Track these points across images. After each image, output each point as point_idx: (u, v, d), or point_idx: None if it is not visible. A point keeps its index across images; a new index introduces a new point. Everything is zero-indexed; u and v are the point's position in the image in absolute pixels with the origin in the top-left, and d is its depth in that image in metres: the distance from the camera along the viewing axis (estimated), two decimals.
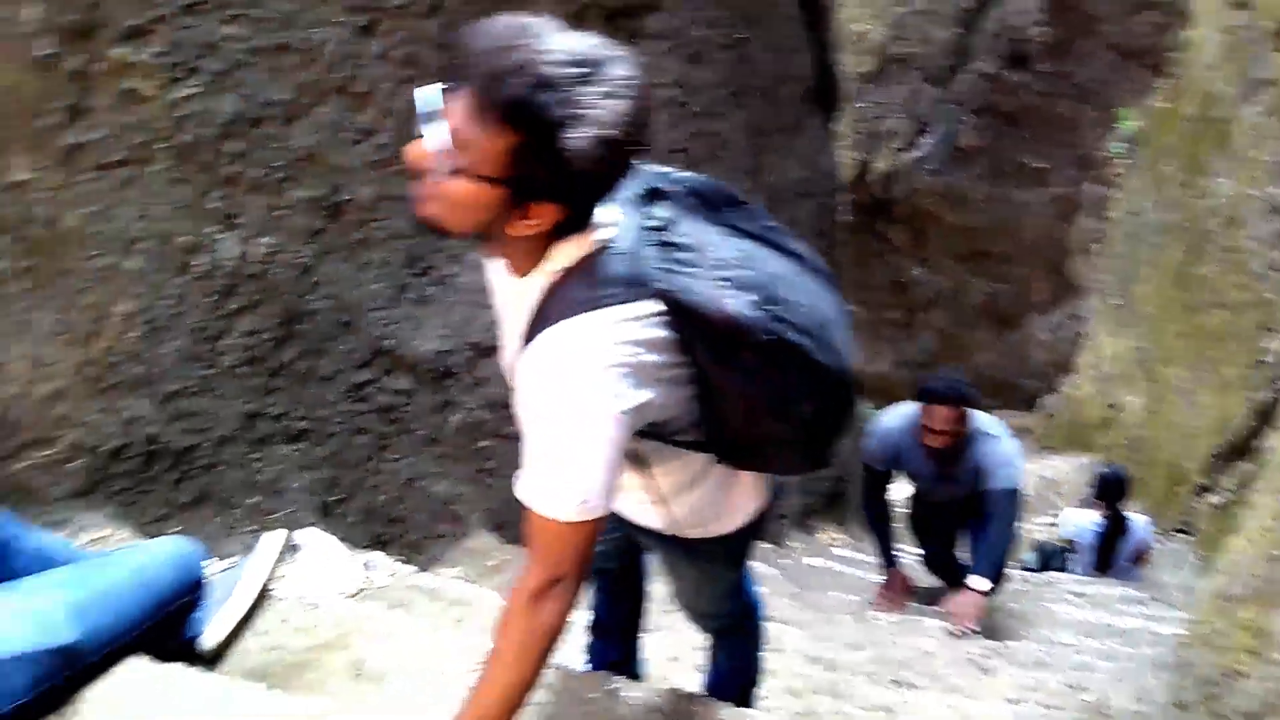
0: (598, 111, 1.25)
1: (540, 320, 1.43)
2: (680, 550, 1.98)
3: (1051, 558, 6.34)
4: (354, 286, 3.37)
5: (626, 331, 1.38)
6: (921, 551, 4.83)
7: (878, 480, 4.32)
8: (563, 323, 1.38)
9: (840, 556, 5.53)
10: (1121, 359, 8.92)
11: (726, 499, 1.85)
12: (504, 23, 1.27)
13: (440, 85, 1.31)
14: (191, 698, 1.90)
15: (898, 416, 4.19)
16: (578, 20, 3.88)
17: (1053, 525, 6.97)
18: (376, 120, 3.28)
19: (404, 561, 3.29)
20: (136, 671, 1.93)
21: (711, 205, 1.57)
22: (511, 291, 1.54)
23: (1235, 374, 6.19)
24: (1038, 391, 12.05)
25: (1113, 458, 7.77)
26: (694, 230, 1.50)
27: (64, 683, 1.85)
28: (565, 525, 1.41)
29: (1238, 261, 6.32)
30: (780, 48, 5.35)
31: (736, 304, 1.43)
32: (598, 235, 1.44)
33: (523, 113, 1.24)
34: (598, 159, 1.26)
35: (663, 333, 1.41)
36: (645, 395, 1.41)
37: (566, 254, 1.44)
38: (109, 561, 2.06)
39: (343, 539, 3.17)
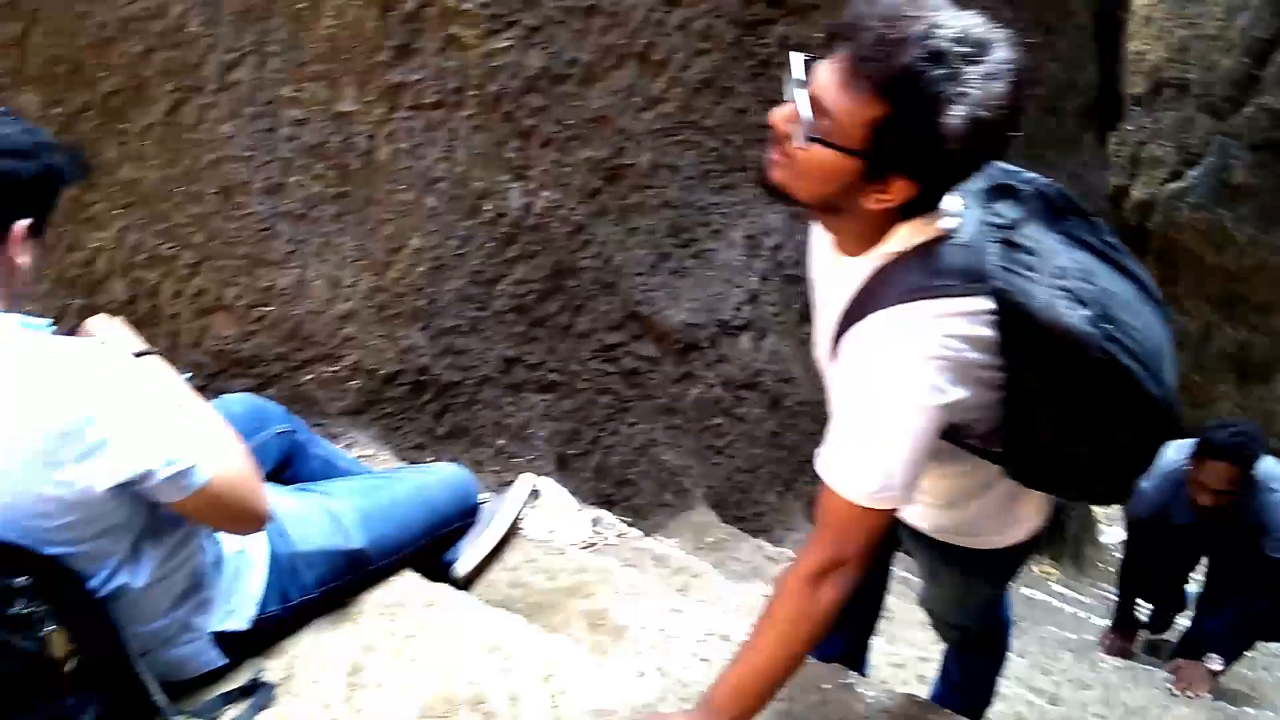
0: (979, 92, 1.21)
1: (869, 300, 1.40)
2: (946, 557, 1.93)
3: None
4: (620, 250, 3.44)
5: (956, 326, 1.34)
6: (1149, 607, 4.51)
7: (1143, 533, 3.95)
8: (895, 306, 1.35)
9: (1057, 592, 5.29)
10: None
11: (1008, 513, 1.79)
12: None
13: (811, 55, 1.31)
14: (459, 616, 2.00)
15: (1170, 461, 3.69)
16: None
17: None
18: (667, 89, 3.33)
19: (628, 524, 3.36)
20: (411, 584, 2.05)
21: (1057, 211, 1.50)
22: (837, 269, 1.51)
23: None
24: (1278, 453, 11.15)
25: None
26: (1037, 234, 1.44)
27: (346, 584, 1.98)
28: (860, 509, 1.39)
29: None
30: (1068, 59, 5.11)
31: (1073, 317, 1.36)
32: (940, 223, 1.40)
33: (907, 84, 1.21)
34: (970, 139, 1.22)
35: (991, 333, 1.36)
36: (962, 393, 1.36)
37: (904, 237, 1.40)
38: (397, 478, 2.19)
39: (573, 492, 3.26)
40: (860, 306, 1.41)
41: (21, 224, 1.39)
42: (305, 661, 1.85)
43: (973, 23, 1.25)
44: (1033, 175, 1.53)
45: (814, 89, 1.28)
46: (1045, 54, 4.91)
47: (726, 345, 3.90)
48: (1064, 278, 1.40)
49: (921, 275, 1.37)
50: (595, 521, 3.23)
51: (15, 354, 1.34)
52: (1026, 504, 1.79)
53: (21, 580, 1.32)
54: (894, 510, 1.41)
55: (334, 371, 2.91)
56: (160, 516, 1.55)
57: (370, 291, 2.89)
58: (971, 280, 1.36)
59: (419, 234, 2.93)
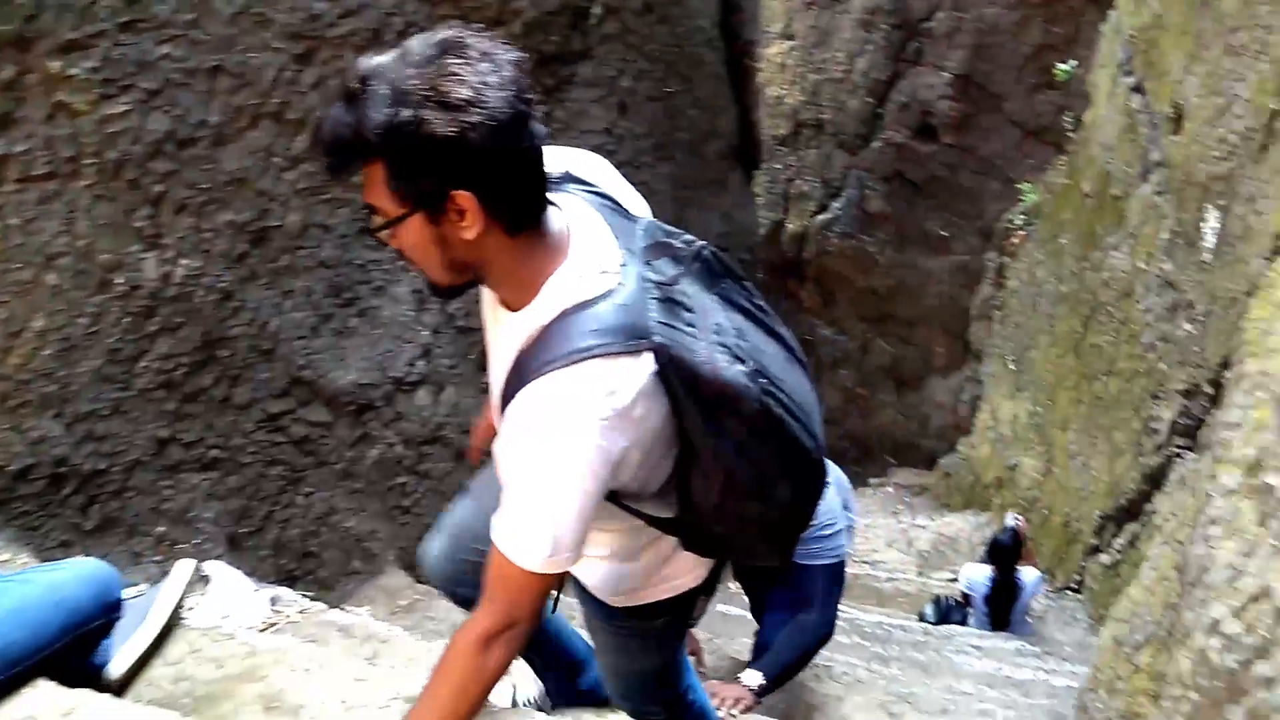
0: (447, 88, 1.25)
1: (530, 361, 1.39)
2: (597, 611, 1.92)
3: (950, 612, 6.48)
4: (276, 314, 3.33)
5: (619, 383, 1.35)
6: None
7: None
8: (556, 369, 1.34)
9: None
10: (1018, 422, 9.22)
11: (658, 571, 1.80)
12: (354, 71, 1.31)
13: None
14: None
15: None
16: None
17: (952, 580, 7.12)
18: (309, 148, 3.27)
19: (313, 598, 3.22)
20: (44, 695, 1.86)
21: (714, 273, 1.53)
22: (502, 324, 1.50)
23: (1126, 440, 6.45)
24: (937, 451, 12.36)
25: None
26: (694, 292, 1.47)
27: None
28: (530, 574, 1.40)
29: (1130, 332, 6.62)
30: (706, 105, 5.49)
31: (733, 370, 1.41)
32: (598, 281, 1.41)
33: (376, 132, 1.26)
34: (465, 128, 1.25)
35: (655, 389, 1.38)
36: (629, 452, 1.39)
37: (562, 293, 1.40)
38: (23, 578, 1.99)
39: (250, 573, 3.10)
40: (522, 368, 1.40)
41: None
42: None
43: (424, 40, 1.31)
44: (691, 237, 1.56)
45: (366, 199, 1.37)
46: (686, 101, 5.24)
47: (403, 402, 3.85)
48: (721, 334, 1.45)
49: (581, 335, 1.36)
50: (274, 600, 3.08)
51: None
52: (679, 562, 1.80)
53: None
54: (565, 572, 1.45)
55: None
56: None
57: None
58: (632, 337, 1.36)
59: (42, 314, 2.71)
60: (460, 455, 3.99)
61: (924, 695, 3.50)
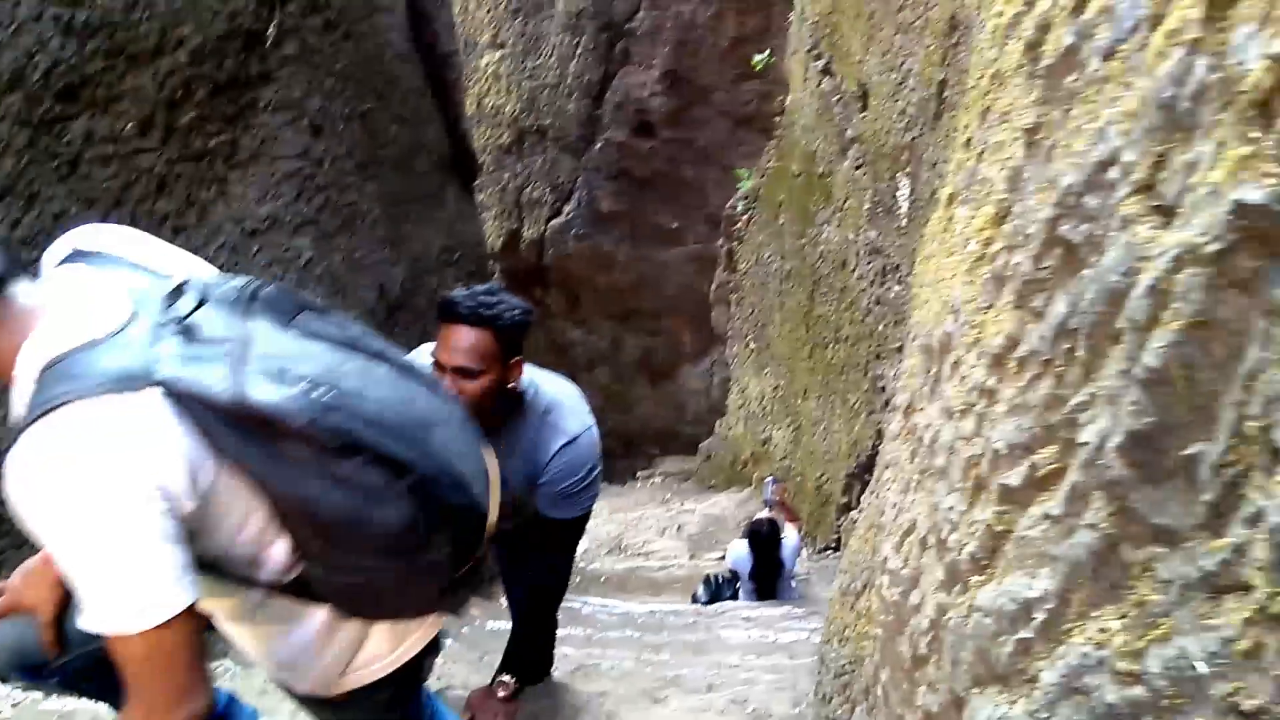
0: None
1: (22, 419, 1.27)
2: (321, 712, 1.74)
3: (721, 588, 6.64)
4: None
5: (108, 423, 1.25)
6: None
7: None
8: (43, 421, 1.24)
9: None
10: (765, 397, 9.59)
11: (358, 650, 1.63)
12: None
13: None
14: None
15: None
16: (184, 96, 3.68)
17: (721, 559, 7.32)
18: None
19: None
20: None
21: (281, 309, 1.45)
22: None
23: (859, 400, 6.82)
24: (697, 436, 12.71)
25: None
26: (235, 326, 1.39)
27: None
28: (145, 635, 1.25)
29: (850, 299, 7.01)
30: (408, 120, 5.34)
31: (269, 391, 1.32)
32: (79, 336, 1.31)
33: None
34: None
35: (168, 423, 1.28)
36: (160, 486, 1.27)
37: (38, 355, 1.30)
38: None
39: None
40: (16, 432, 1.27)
41: None
42: None
43: None
44: (250, 279, 1.48)
45: None
46: (385, 117, 5.08)
47: None
48: (269, 360, 1.36)
49: (57, 384, 1.26)
50: None
51: None
52: (379, 639, 1.64)
53: None
54: (183, 616, 1.27)
55: None
56: None
57: None
58: (124, 378, 1.27)
59: None
60: None
61: (690, 676, 3.53)
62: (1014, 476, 1.11)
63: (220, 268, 3.93)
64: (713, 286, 11.76)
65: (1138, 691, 0.91)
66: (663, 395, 14.14)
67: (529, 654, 2.87)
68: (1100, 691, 0.94)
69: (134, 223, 3.51)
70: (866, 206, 6.56)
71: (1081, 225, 1.03)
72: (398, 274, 5.08)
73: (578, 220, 13.28)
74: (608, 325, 13.96)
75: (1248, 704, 0.81)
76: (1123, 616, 0.93)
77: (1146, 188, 0.94)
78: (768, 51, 10.19)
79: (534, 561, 2.79)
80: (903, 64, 5.73)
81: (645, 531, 9.83)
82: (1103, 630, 0.95)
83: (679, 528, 9.59)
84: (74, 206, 3.33)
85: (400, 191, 5.18)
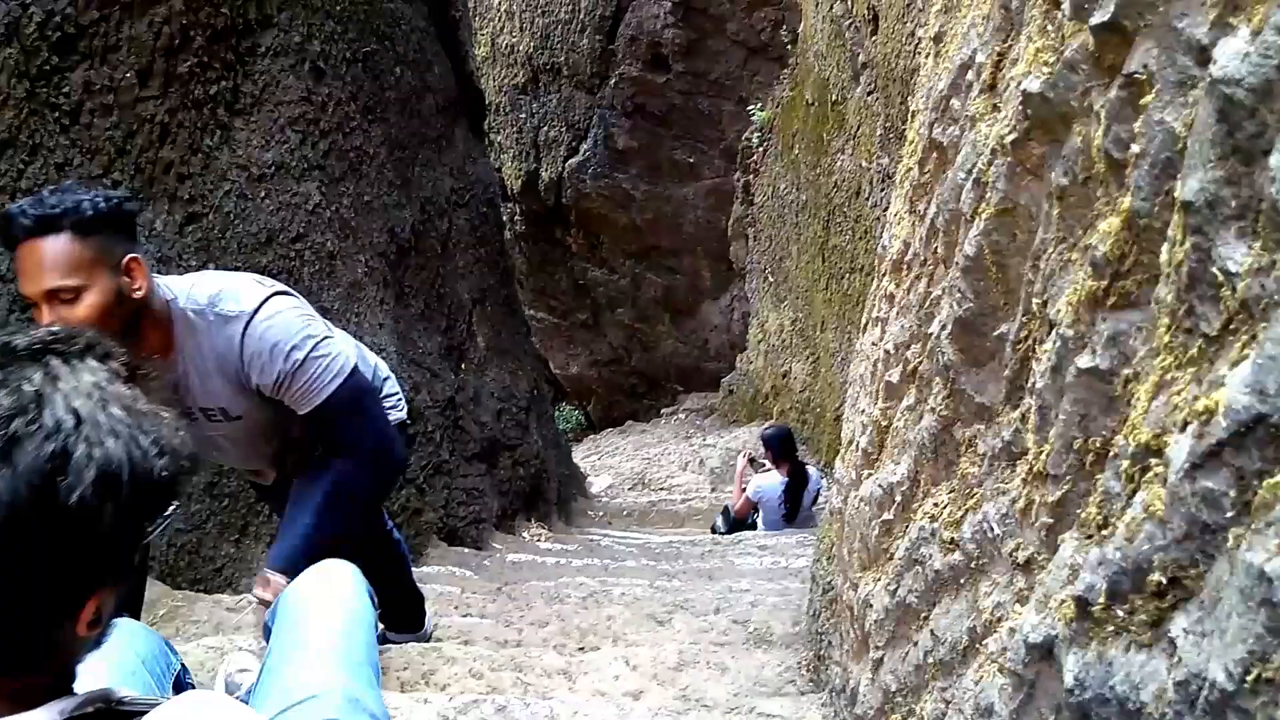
0: None
1: None
2: None
3: (739, 521, 6.71)
4: None
5: None
6: None
7: None
8: None
9: (544, 549, 5.59)
10: (784, 331, 9.59)
11: None
12: None
13: None
14: None
15: None
16: (182, 43, 3.68)
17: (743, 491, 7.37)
18: None
19: None
20: None
21: None
22: None
23: None
24: (719, 372, 12.74)
25: (787, 420, 8.36)
26: None
27: None
28: None
29: (864, 228, 6.96)
30: (412, 61, 5.32)
31: None
32: None
33: None
34: None
35: None
36: None
37: None
38: None
39: None
40: None
41: None
42: None
43: None
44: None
45: None
46: (389, 59, 5.06)
47: None
48: None
49: None
50: None
51: None
52: None
53: None
54: None
55: None
56: None
57: None
58: None
59: None
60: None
61: (698, 599, 3.59)
62: (894, 374, 1.17)
63: (228, 215, 3.96)
64: (730, 221, 11.70)
65: (956, 557, 0.98)
66: (685, 332, 14.14)
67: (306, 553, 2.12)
68: (931, 560, 1.02)
69: (139, 172, 3.54)
70: (879, 133, 6.48)
71: (950, 128, 1.07)
72: (407, 216, 5.10)
73: (594, 159, 13.20)
74: (628, 264, 13.93)
75: (1021, 556, 0.87)
76: (951, 491, 1.00)
77: (990, 87, 0.98)
78: None
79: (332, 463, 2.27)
80: None
81: (668, 466, 9.92)
82: (936, 505, 1.02)
83: (701, 462, 9.67)
84: (77, 157, 3.36)
85: (406, 135, 5.18)
